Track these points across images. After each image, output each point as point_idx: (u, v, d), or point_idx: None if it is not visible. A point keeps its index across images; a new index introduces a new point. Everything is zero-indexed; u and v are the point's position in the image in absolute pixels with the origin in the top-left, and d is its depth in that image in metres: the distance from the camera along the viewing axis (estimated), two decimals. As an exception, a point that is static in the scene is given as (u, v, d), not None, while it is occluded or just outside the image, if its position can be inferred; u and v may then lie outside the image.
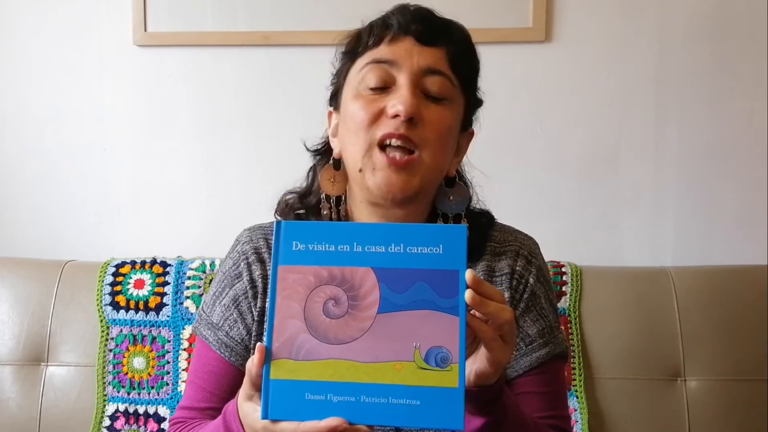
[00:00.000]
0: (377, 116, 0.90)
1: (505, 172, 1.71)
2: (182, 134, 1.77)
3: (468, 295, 0.69)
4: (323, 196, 0.98)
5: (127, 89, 1.77)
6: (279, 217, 1.03)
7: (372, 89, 0.91)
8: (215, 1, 1.72)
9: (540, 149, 1.72)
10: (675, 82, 1.70)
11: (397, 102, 0.88)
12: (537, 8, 1.67)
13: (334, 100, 0.99)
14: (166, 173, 1.78)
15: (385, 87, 0.91)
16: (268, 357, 0.71)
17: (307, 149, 1.05)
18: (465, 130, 0.99)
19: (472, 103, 0.99)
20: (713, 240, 1.72)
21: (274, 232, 0.73)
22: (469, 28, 0.97)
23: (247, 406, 0.76)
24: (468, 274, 0.70)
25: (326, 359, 0.70)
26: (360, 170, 0.91)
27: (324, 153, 1.03)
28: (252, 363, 0.72)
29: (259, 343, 0.71)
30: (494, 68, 1.67)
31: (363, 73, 0.92)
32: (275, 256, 0.73)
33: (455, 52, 0.93)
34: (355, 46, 0.95)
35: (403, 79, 0.90)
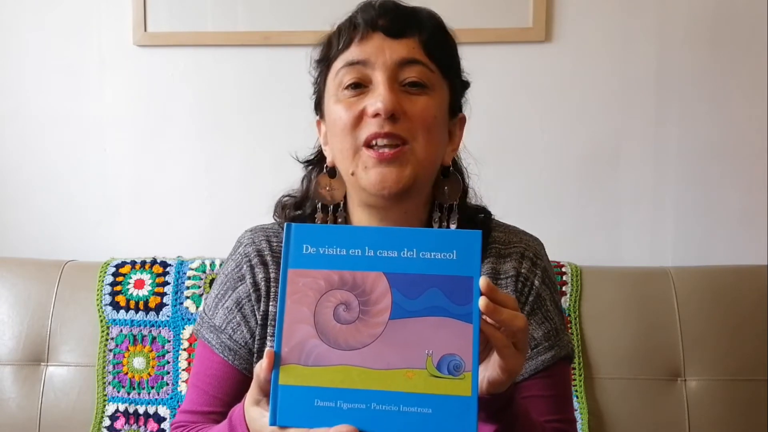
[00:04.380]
0: (359, 118, 0.89)
1: (505, 171, 1.71)
2: (182, 134, 1.76)
3: (482, 302, 0.68)
4: (319, 205, 0.98)
5: (127, 89, 1.76)
6: (278, 219, 1.03)
7: (350, 91, 0.91)
8: (215, 1, 1.72)
9: (540, 149, 1.72)
10: (675, 82, 1.70)
11: (376, 100, 0.88)
12: (537, 8, 1.67)
13: (319, 108, 0.99)
14: (166, 173, 1.78)
15: (362, 87, 0.90)
16: (277, 362, 0.69)
17: (299, 161, 1.04)
18: (455, 116, 0.97)
19: (457, 87, 0.97)
20: (713, 240, 1.72)
21: (284, 235, 0.72)
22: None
23: (255, 411, 0.75)
24: (482, 281, 0.69)
25: (336, 365, 0.69)
26: (352, 173, 0.91)
27: (318, 162, 1.03)
28: (260, 368, 0.71)
29: (268, 348, 0.70)
30: (494, 68, 1.70)
31: (339, 78, 0.92)
32: (285, 259, 0.71)
33: (427, 38, 0.91)
34: (328, 52, 0.95)
35: (379, 77, 0.89)
